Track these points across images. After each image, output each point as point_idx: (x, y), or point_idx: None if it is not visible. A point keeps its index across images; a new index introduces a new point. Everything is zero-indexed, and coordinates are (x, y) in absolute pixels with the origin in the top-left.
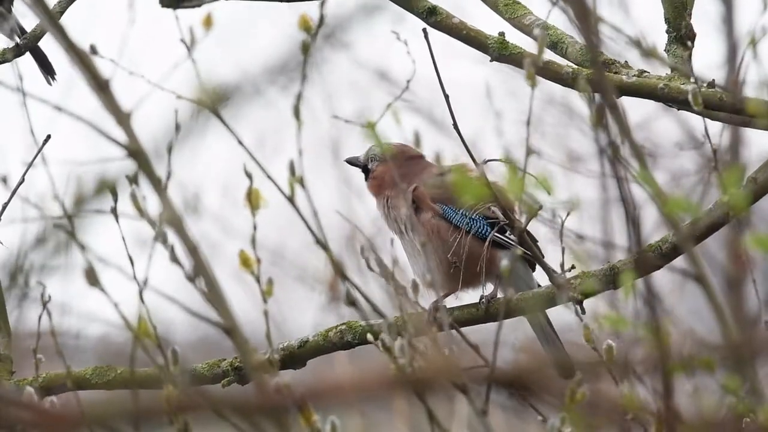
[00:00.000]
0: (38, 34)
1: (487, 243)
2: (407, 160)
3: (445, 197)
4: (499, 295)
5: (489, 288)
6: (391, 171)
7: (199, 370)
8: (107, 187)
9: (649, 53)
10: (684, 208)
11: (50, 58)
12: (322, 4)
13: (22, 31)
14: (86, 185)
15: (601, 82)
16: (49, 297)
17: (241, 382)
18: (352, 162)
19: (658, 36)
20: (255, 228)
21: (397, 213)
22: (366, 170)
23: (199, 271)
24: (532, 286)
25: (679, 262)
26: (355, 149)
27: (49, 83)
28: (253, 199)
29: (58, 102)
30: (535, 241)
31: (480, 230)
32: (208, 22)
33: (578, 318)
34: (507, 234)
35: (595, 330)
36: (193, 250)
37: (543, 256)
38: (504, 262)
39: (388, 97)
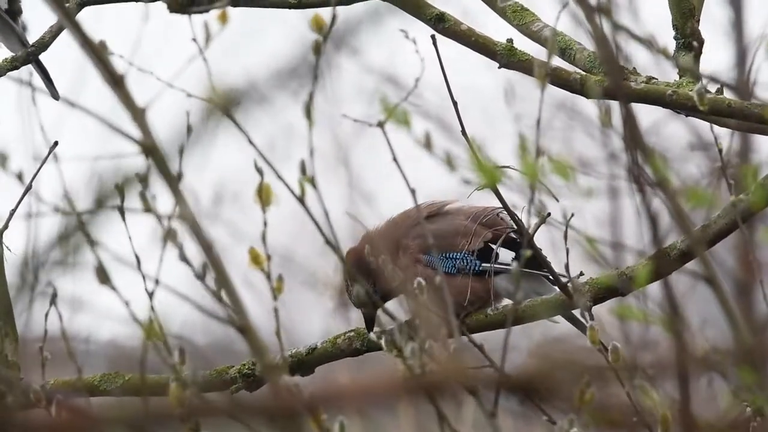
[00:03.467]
0: (46, 42)
1: (494, 276)
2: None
3: (426, 246)
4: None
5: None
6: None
7: (208, 376)
8: (117, 185)
9: (660, 52)
10: (700, 200)
11: (53, 76)
12: (335, 6)
13: (26, 45)
14: (102, 182)
15: (616, 88)
16: (56, 296)
17: (249, 389)
18: (370, 324)
19: (667, 42)
20: (265, 224)
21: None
22: (373, 307)
23: (213, 269)
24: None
25: (690, 265)
26: (363, 153)
27: (56, 98)
28: (264, 195)
29: (69, 99)
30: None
31: (470, 266)
32: (223, 18)
33: (585, 321)
34: (497, 261)
35: (602, 335)
36: (207, 247)
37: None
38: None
39: (396, 103)
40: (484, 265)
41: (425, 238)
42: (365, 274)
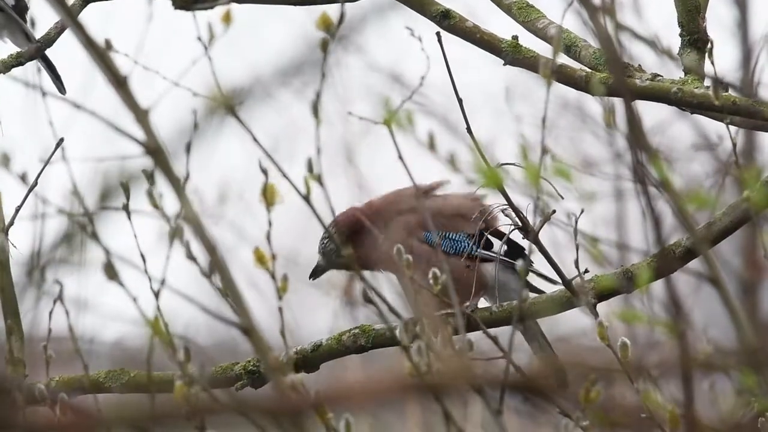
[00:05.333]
0: (52, 37)
1: (484, 260)
2: (360, 226)
3: (426, 223)
4: (480, 305)
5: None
6: (364, 241)
7: (212, 373)
8: (122, 185)
9: (664, 52)
10: (703, 202)
11: (60, 70)
12: (342, 4)
13: (32, 41)
14: (106, 182)
15: (619, 86)
16: (61, 294)
17: (254, 385)
18: (317, 273)
19: (672, 42)
20: (270, 224)
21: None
22: (331, 265)
23: (217, 270)
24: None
25: (694, 265)
26: (368, 151)
27: (62, 92)
28: (268, 195)
29: (75, 100)
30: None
31: (463, 248)
32: (227, 18)
33: (593, 317)
34: (492, 249)
35: (608, 331)
36: (211, 249)
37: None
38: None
39: (402, 101)
40: (479, 251)
41: (426, 214)
42: (349, 236)
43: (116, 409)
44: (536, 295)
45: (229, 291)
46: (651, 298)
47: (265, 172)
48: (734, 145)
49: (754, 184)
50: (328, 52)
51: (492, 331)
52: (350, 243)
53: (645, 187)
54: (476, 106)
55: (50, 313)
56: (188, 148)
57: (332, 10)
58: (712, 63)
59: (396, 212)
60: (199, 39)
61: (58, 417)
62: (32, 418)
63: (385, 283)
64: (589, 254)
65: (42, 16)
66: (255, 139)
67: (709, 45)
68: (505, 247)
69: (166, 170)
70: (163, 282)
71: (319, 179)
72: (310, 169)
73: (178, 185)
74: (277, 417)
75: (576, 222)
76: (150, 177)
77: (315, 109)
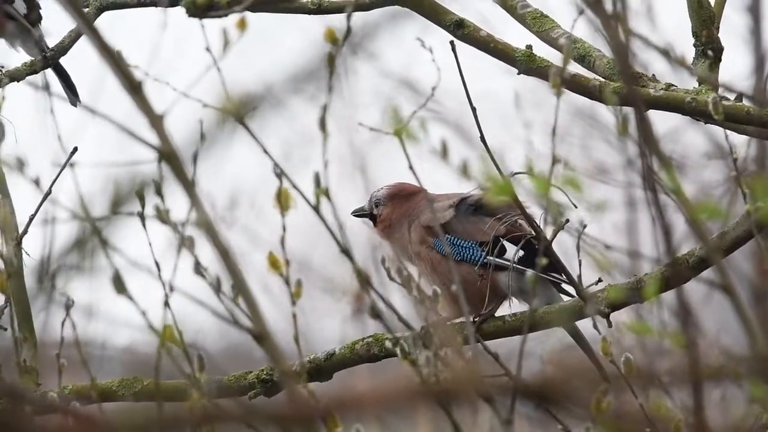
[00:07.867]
0: (66, 46)
1: (501, 268)
2: (407, 197)
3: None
4: (497, 313)
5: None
6: (396, 211)
7: (226, 382)
8: (137, 191)
9: (677, 62)
10: (712, 213)
11: (74, 80)
12: (349, 16)
13: (45, 49)
14: (120, 188)
15: (631, 96)
16: (73, 302)
17: (267, 394)
18: (359, 214)
19: (686, 49)
20: (284, 229)
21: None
22: (373, 217)
23: (231, 275)
24: (553, 301)
25: (707, 274)
26: (379, 159)
27: (74, 104)
28: (282, 200)
29: (88, 105)
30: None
31: (473, 257)
32: (242, 25)
33: (598, 331)
34: (504, 256)
35: (619, 341)
36: (224, 253)
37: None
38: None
39: (414, 108)
40: (488, 258)
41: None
42: (395, 200)
43: (126, 417)
44: (569, 298)
45: (242, 296)
46: (662, 306)
47: (279, 176)
48: (735, 160)
49: (764, 194)
50: (334, 67)
51: (506, 340)
52: (392, 206)
53: (655, 196)
54: (488, 114)
55: (62, 322)
56: (195, 156)
57: (346, 19)
58: (717, 80)
59: (418, 212)
60: (208, 50)
61: (69, 425)
62: (44, 427)
63: (396, 293)
64: (600, 263)
65: (57, 26)
66: (264, 150)
67: (720, 55)
68: (521, 253)
69: (180, 175)
70: (172, 288)
71: (326, 193)
72: (317, 183)
73: (191, 189)
74: (288, 426)
75: (579, 238)
76: (158, 189)
77: (322, 124)
